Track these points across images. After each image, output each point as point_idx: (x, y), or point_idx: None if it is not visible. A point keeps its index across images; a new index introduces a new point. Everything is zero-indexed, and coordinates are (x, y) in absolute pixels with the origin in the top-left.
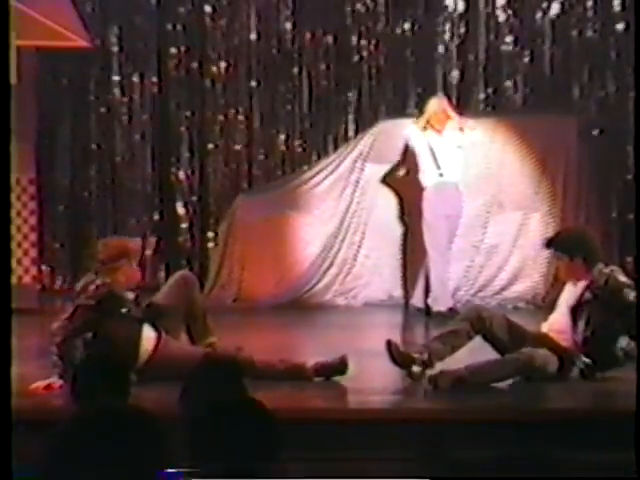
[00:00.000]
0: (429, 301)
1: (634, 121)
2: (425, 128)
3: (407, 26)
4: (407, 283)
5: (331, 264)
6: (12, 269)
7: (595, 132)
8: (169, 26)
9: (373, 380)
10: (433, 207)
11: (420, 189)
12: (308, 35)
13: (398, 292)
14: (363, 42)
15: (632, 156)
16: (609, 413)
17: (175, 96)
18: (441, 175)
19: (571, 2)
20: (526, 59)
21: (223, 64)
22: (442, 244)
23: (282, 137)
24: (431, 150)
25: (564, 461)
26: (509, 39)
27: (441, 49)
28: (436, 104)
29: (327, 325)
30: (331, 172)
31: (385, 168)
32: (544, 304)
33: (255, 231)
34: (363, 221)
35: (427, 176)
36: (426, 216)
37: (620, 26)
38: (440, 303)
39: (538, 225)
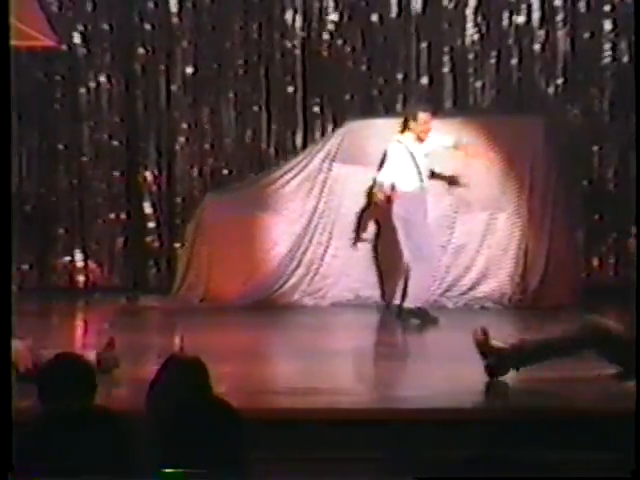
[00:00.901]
0: (404, 300)
1: (635, 123)
2: (407, 136)
3: (375, 27)
4: (379, 282)
5: (299, 264)
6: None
7: (561, 132)
8: (136, 25)
9: (341, 380)
10: (416, 209)
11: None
12: (275, 35)
13: (365, 292)
14: (331, 43)
15: (597, 156)
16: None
17: (142, 96)
18: (422, 180)
19: (538, 5)
20: (493, 60)
21: (190, 63)
22: (427, 243)
23: (250, 137)
24: (412, 157)
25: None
26: (476, 39)
27: (408, 50)
28: (425, 117)
29: (295, 325)
30: (299, 172)
31: (353, 168)
32: (510, 304)
33: (223, 231)
34: (330, 221)
35: (408, 181)
36: (411, 218)
37: (586, 31)
38: (412, 301)
39: (505, 225)
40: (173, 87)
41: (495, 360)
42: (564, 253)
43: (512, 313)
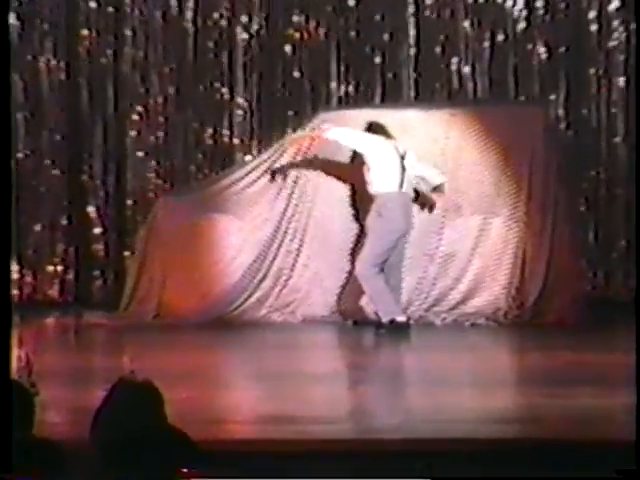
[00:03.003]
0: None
1: (635, 121)
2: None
3: (354, 12)
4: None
5: (265, 275)
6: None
7: (562, 126)
8: (81, 3)
9: (314, 407)
10: (393, 214)
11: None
12: (238, 23)
13: (341, 306)
14: (302, 27)
15: (604, 154)
16: None
17: (87, 83)
18: (402, 186)
19: None
20: (486, 43)
21: (142, 47)
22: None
23: (209, 130)
24: (400, 158)
25: None
26: (467, 23)
27: (390, 35)
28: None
29: (261, 345)
30: (265, 171)
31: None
32: (506, 320)
33: (179, 238)
34: (301, 226)
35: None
36: (384, 222)
37: (593, 26)
38: (389, 314)
39: (500, 231)
40: (122, 73)
41: None
42: (566, 263)
43: (508, 330)
